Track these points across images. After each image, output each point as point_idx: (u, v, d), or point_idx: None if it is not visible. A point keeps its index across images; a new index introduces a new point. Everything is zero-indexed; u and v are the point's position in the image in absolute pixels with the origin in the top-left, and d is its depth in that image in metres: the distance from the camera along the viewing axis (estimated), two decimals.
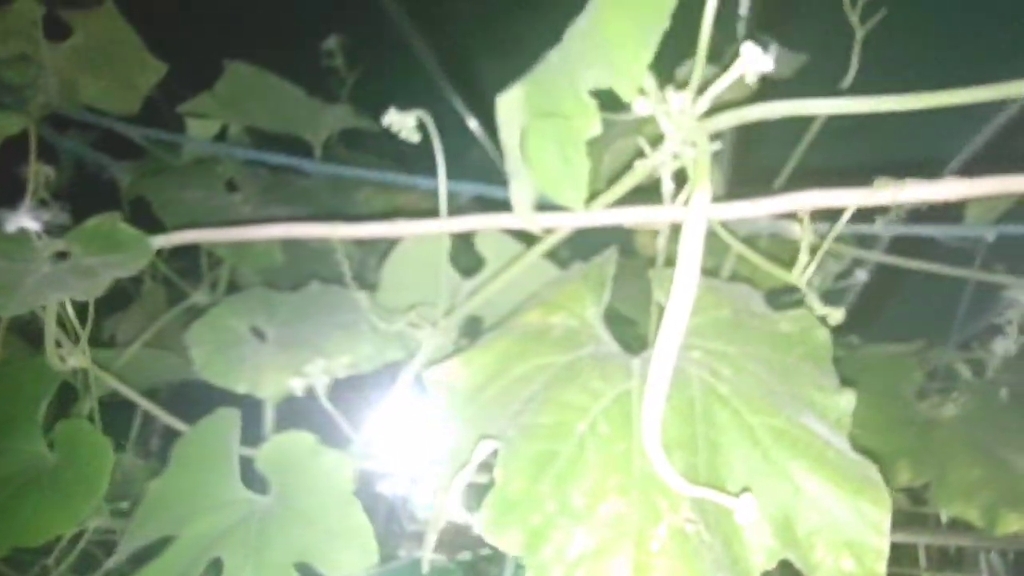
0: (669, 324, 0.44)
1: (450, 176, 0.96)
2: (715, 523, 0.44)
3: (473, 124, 1.33)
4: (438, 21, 1.24)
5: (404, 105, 0.61)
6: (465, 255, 0.79)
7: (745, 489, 0.42)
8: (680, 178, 0.54)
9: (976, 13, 1.02)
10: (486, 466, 0.47)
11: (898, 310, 1.40)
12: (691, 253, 0.45)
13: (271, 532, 0.56)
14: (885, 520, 0.43)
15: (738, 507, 0.39)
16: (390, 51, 1.28)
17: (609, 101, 0.46)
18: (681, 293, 0.44)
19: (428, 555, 0.47)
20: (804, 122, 0.98)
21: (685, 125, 0.47)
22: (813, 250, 0.53)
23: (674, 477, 0.41)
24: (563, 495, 0.44)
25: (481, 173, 0.98)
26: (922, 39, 1.05)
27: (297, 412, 0.69)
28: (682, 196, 0.54)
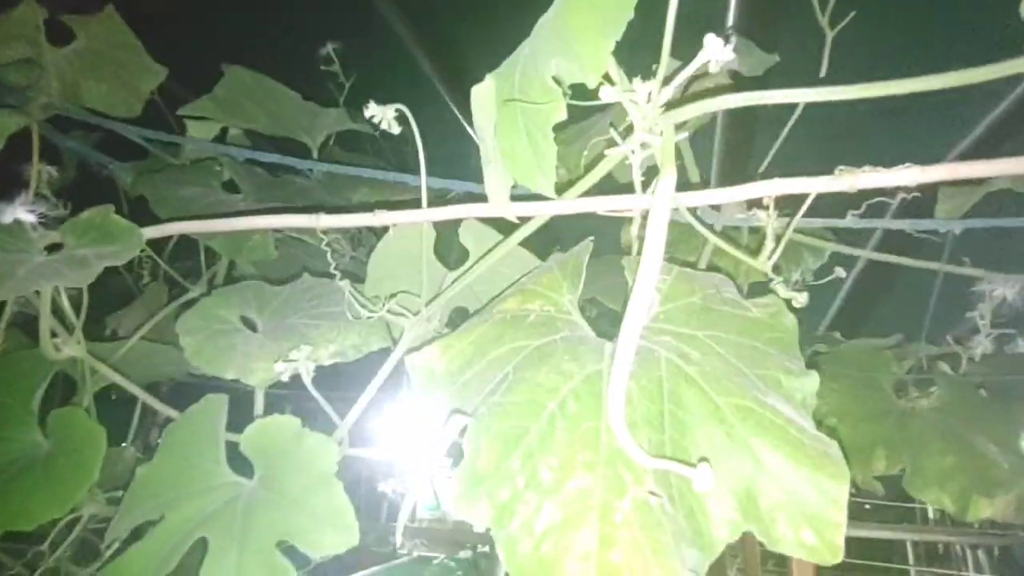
0: (634, 303, 0.46)
1: (450, 176, 0.98)
2: (679, 497, 0.45)
3: (470, 128, 1.35)
4: (436, 27, 1.27)
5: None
6: (456, 249, 0.81)
7: (703, 460, 0.43)
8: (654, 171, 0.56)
9: (957, 20, 1.04)
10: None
11: (888, 312, 1.41)
12: (656, 235, 0.47)
13: (255, 514, 0.58)
14: (844, 495, 0.44)
15: (695, 476, 0.40)
16: (391, 58, 1.30)
17: (585, 95, 0.48)
18: (646, 274, 0.46)
19: (401, 526, 0.48)
20: (794, 129, 1.00)
21: (650, 114, 0.49)
22: (778, 237, 0.54)
23: (635, 449, 0.42)
24: (532, 470, 0.45)
25: (481, 175, 1.00)
26: (910, 44, 1.07)
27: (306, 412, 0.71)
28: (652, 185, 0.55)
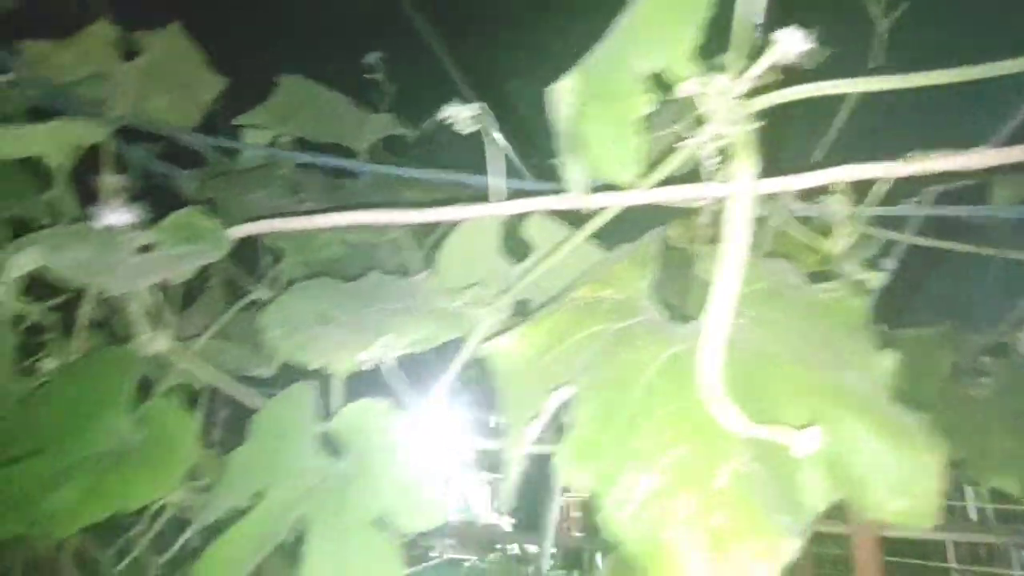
0: (724, 276, 0.48)
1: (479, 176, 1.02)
2: (773, 466, 0.47)
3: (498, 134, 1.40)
4: (470, 41, 1.32)
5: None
6: (511, 244, 0.84)
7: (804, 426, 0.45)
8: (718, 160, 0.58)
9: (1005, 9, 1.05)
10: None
11: (929, 299, 1.41)
12: (740, 222, 0.49)
13: (349, 493, 0.61)
14: (935, 462, 0.46)
15: (800, 439, 0.42)
16: (424, 69, 1.35)
17: (662, 87, 0.51)
18: (732, 258, 0.48)
19: (505, 504, 0.51)
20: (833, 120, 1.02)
21: (727, 105, 0.51)
22: (848, 223, 0.56)
23: (732, 415, 0.44)
24: (630, 441, 0.47)
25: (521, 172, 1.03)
26: (951, 33, 1.08)
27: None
28: (723, 174, 0.58)
